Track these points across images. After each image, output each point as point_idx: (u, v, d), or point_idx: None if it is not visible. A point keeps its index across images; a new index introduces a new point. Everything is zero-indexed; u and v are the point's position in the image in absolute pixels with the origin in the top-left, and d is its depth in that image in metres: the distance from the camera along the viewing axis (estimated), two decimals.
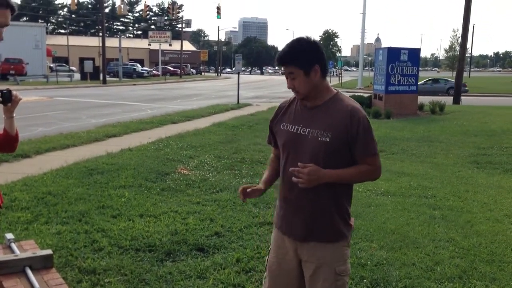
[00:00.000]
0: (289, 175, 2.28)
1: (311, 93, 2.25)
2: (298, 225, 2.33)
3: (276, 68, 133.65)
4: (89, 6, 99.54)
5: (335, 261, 2.29)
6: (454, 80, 36.71)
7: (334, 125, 2.19)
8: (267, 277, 2.52)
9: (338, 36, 78.53)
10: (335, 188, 2.26)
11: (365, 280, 3.79)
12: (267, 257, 2.55)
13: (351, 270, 3.95)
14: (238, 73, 23.34)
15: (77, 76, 46.14)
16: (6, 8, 2.02)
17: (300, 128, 2.27)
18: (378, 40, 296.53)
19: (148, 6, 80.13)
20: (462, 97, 25.01)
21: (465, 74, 37.22)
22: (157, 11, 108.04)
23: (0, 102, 2.19)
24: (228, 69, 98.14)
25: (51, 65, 54.37)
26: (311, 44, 2.22)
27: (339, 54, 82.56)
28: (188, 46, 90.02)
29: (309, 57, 2.20)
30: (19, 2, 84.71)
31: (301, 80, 2.20)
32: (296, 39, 2.27)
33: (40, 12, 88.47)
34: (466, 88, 34.89)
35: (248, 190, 2.45)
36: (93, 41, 72.08)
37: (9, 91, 2.22)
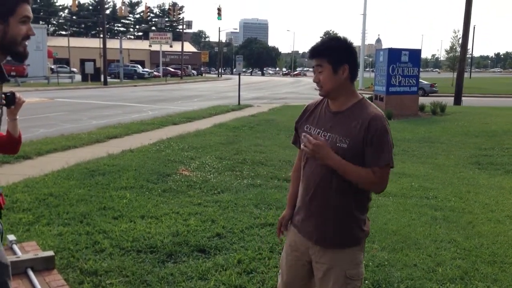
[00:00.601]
0: (307, 177, 2.32)
1: (334, 92, 2.25)
2: (311, 228, 2.35)
3: (277, 69, 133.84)
4: (90, 7, 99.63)
5: (346, 265, 2.29)
6: (423, 81, 37.18)
7: (353, 132, 2.18)
8: (280, 273, 2.57)
9: None
10: (349, 194, 2.26)
11: (367, 281, 3.79)
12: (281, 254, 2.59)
13: None
14: (239, 74, 23.36)
15: (78, 77, 46.20)
16: (28, 3, 2.00)
17: (321, 132, 2.28)
18: (379, 41, 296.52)
19: (149, 7, 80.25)
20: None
21: (466, 75, 37.20)
22: (157, 13, 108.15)
23: (3, 105, 2.19)
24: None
25: (52, 67, 54.43)
26: (346, 43, 2.23)
27: None
28: (189, 47, 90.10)
29: (340, 55, 2.21)
30: None
31: (328, 75, 2.21)
32: (334, 36, 2.32)
33: (41, 13, 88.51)
34: (435, 89, 35.24)
35: (282, 227, 2.56)
36: (94, 43, 72.19)
37: (13, 94, 2.23)
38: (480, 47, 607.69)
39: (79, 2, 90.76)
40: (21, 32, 1.93)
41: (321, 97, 2.38)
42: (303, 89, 43.63)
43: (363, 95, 2.34)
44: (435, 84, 36.60)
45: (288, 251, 2.49)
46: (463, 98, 24.91)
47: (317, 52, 2.23)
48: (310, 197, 2.31)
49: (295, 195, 2.52)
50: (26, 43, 1.98)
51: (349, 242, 2.30)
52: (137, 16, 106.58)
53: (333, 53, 2.20)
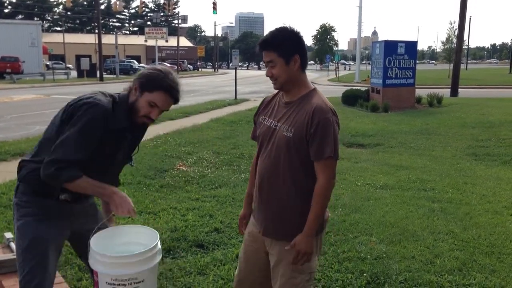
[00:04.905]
0: (259, 167, 2.37)
1: (288, 84, 2.27)
2: (262, 218, 2.39)
3: None
4: (85, 3, 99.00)
5: (292, 258, 2.28)
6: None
7: (298, 122, 2.22)
8: (238, 263, 2.62)
9: (335, 30, 78.27)
10: (295, 188, 2.27)
11: (365, 274, 3.80)
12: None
13: (351, 264, 3.97)
14: (235, 69, 23.29)
15: (73, 73, 45.98)
16: (170, 97, 2.34)
17: (273, 122, 2.33)
18: (375, 33, 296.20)
19: (144, 2, 79.57)
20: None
21: (462, 66, 37.14)
22: (153, 7, 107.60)
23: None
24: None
25: (48, 63, 54.17)
26: (293, 34, 2.24)
27: (336, 48, 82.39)
28: (184, 42, 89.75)
29: (290, 46, 2.22)
30: (14, 0, 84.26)
31: (280, 68, 2.22)
32: (279, 27, 2.30)
33: (36, 9, 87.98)
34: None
35: (243, 227, 2.64)
36: (89, 38, 71.83)
37: None
38: (476, 38, 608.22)
39: None
40: (143, 110, 2.30)
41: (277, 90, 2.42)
42: None
43: (315, 86, 2.37)
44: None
45: (246, 242, 2.52)
46: (459, 90, 24.89)
47: (267, 45, 2.23)
48: (259, 188, 2.37)
49: (252, 193, 2.56)
50: (147, 121, 2.36)
51: (292, 235, 2.27)
52: (132, 11, 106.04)
53: (283, 46, 2.21)
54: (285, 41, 2.22)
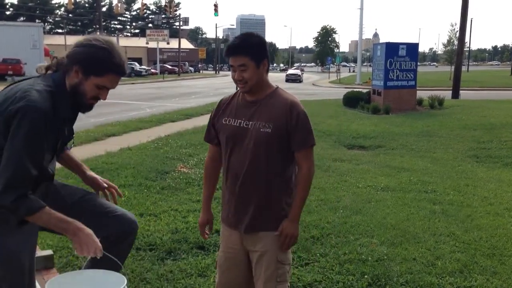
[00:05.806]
0: (234, 168, 2.39)
1: (257, 86, 2.35)
2: (243, 216, 2.42)
3: (275, 64, 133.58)
4: (86, 5, 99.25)
5: (277, 249, 2.38)
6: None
7: (275, 117, 2.31)
8: (217, 272, 2.62)
9: (336, 32, 78.51)
10: (278, 180, 2.36)
11: (366, 276, 3.79)
12: (217, 253, 2.66)
13: (352, 266, 3.97)
14: None
15: None
16: (119, 76, 2.21)
17: (242, 121, 2.37)
18: (376, 35, 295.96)
19: (145, 4, 79.93)
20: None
21: (464, 68, 37.09)
22: (154, 9, 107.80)
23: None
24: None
25: None
26: (261, 39, 2.36)
27: (337, 50, 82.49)
28: (186, 44, 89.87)
29: (260, 51, 2.32)
30: (16, 2, 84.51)
31: (252, 72, 2.29)
32: (247, 33, 2.38)
33: (37, 12, 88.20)
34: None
35: (207, 230, 2.72)
36: None
37: None
38: (478, 40, 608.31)
39: (75, 0, 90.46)
40: (92, 92, 2.17)
41: (234, 92, 2.50)
42: (301, 85, 43.60)
43: (277, 85, 2.46)
44: None
45: (225, 250, 2.56)
46: (461, 92, 24.90)
47: (240, 49, 2.29)
48: (239, 185, 2.39)
49: (211, 196, 2.67)
50: (95, 102, 2.24)
51: (278, 225, 2.38)
52: (134, 13, 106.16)
53: (255, 50, 2.30)
54: (256, 46, 2.31)
